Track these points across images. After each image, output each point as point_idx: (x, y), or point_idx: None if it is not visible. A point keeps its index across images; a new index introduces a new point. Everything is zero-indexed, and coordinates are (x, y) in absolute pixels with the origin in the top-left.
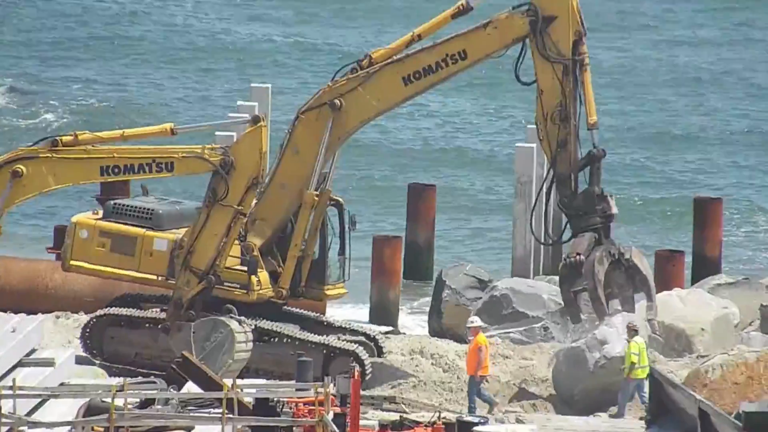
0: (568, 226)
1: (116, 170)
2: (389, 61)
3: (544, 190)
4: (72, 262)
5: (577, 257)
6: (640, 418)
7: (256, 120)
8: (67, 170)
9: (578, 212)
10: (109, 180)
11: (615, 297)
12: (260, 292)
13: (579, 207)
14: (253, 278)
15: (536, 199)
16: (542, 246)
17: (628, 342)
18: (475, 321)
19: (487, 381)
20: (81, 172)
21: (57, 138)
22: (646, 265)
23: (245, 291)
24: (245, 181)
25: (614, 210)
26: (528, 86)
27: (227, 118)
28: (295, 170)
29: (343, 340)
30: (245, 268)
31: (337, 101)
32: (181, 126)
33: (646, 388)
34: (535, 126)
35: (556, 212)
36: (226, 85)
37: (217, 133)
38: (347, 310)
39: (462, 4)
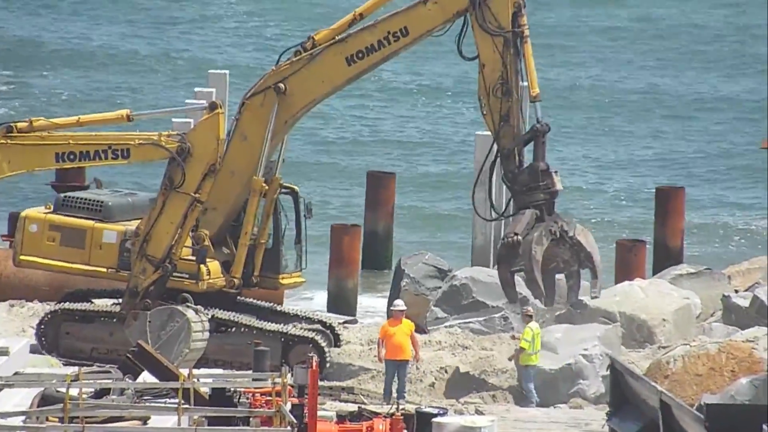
0: (511, 202)
1: (72, 157)
2: (332, 42)
3: (488, 165)
4: (22, 257)
5: (515, 237)
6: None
7: (213, 107)
8: (21, 157)
9: (522, 188)
10: (64, 167)
11: (561, 272)
12: (210, 281)
13: (523, 182)
14: (202, 268)
15: (478, 176)
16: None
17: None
18: (401, 304)
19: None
20: (36, 159)
21: (11, 124)
22: (591, 242)
23: (194, 281)
24: (202, 168)
25: (559, 186)
26: (471, 61)
27: (184, 105)
28: (244, 157)
29: (300, 328)
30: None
31: (281, 85)
32: (137, 112)
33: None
34: (478, 101)
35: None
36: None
37: (174, 119)
38: (305, 300)
39: None
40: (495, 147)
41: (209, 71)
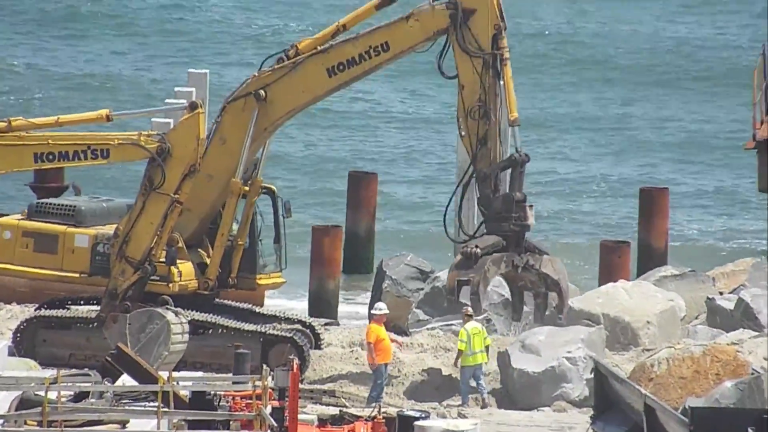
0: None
1: (50, 157)
2: (314, 52)
3: (461, 185)
4: None
5: (475, 249)
6: (482, 407)
7: (193, 106)
8: (0, 157)
9: (495, 215)
10: (43, 167)
11: (528, 290)
12: (181, 283)
13: (497, 209)
14: (173, 269)
15: (451, 196)
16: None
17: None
18: (384, 308)
19: None
20: (14, 160)
21: None
22: (558, 269)
23: (165, 283)
24: (182, 169)
25: (531, 221)
26: (452, 80)
27: (164, 105)
28: (222, 161)
29: (279, 329)
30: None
31: (262, 92)
32: (117, 112)
33: (483, 378)
34: (456, 122)
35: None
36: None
37: (153, 119)
38: (286, 302)
39: None
40: (470, 169)
41: (189, 70)
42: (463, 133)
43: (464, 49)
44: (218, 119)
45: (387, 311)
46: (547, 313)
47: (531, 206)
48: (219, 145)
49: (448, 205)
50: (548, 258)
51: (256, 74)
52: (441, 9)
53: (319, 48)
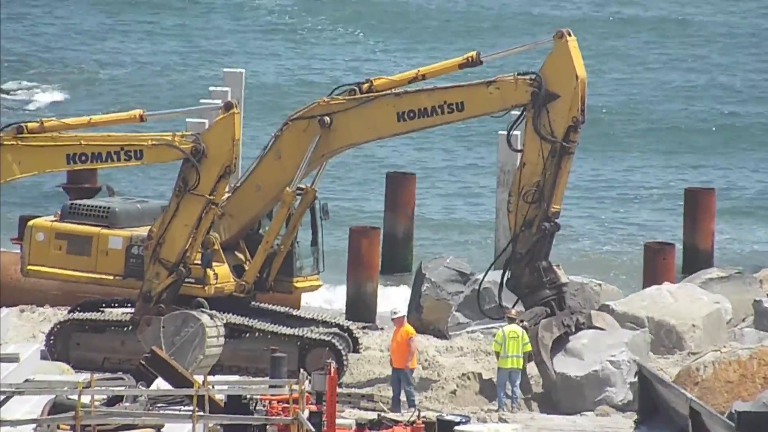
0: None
1: (83, 158)
2: (388, 93)
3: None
4: (30, 267)
5: (521, 323)
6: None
7: (228, 106)
8: (32, 158)
9: (526, 290)
10: (76, 168)
11: None
12: (217, 286)
13: (527, 284)
14: (209, 272)
15: (485, 274)
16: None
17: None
18: (400, 311)
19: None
20: (47, 160)
21: (22, 124)
22: (610, 323)
23: (201, 285)
24: (217, 170)
25: (563, 279)
26: (516, 152)
27: (199, 104)
28: (273, 175)
29: (316, 332)
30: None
31: (327, 118)
32: (150, 112)
33: (518, 381)
34: (508, 196)
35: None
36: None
37: (188, 119)
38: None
39: (472, 56)
40: (510, 247)
41: (224, 70)
42: (510, 209)
43: (536, 130)
44: (278, 132)
45: (401, 314)
46: None
47: (558, 265)
48: (274, 158)
49: (481, 282)
50: (596, 312)
51: (326, 99)
52: (524, 84)
53: (394, 90)
